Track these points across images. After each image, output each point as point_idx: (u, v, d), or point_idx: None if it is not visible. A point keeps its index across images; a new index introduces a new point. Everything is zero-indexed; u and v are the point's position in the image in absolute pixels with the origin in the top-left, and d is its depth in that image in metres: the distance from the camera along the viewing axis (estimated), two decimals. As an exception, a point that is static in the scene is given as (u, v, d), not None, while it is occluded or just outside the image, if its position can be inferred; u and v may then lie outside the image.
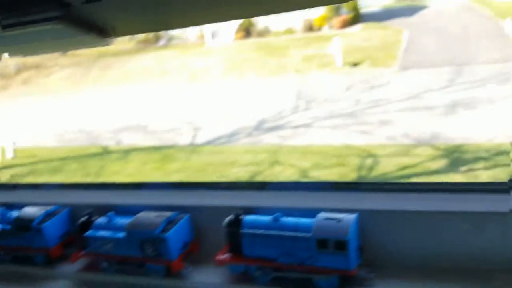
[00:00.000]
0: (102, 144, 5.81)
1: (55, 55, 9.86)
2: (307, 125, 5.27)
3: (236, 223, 0.76)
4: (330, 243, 0.67)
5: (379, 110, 5.25)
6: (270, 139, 5.16)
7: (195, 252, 0.84)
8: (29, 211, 0.91)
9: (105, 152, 5.63)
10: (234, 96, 6.83)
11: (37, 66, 10.01)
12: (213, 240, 0.83)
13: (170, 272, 0.80)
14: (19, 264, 0.93)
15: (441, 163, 3.95)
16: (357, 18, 9.17)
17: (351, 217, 0.69)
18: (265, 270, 0.74)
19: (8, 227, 0.91)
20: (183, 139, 5.56)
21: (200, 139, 5.51)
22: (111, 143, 5.81)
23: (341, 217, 0.69)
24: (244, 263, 0.75)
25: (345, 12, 9.18)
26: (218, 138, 5.40)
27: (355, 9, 9.33)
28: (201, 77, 8.19)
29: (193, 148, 5.30)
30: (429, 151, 4.14)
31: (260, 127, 5.53)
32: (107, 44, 0.50)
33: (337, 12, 9.13)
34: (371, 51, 7.42)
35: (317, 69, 7.28)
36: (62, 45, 0.51)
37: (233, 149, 5.00)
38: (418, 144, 4.32)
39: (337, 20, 9.03)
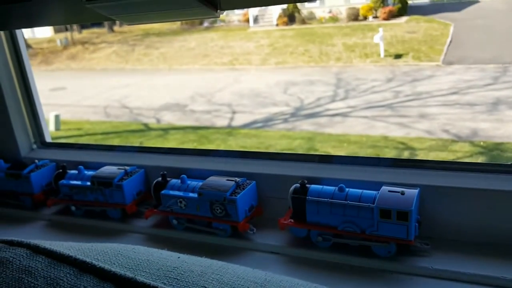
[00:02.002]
0: (143, 121, 5.96)
1: (102, 31, 10.08)
2: (344, 114, 5.26)
3: (302, 190, 0.81)
4: (393, 213, 0.71)
5: (420, 103, 5.20)
6: (306, 126, 5.18)
7: (259, 216, 0.91)
8: (108, 169, 1.00)
9: (146, 129, 5.78)
10: (273, 81, 6.86)
11: (83, 42, 10.26)
12: (275, 206, 0.89)
13: (235, 232, 0.87)
14: (93, 218, 1.01)
15: (479, 160, 3.92)
16: (403, 9, 9.03)
17: (414, 191, 0.74)
18: (325, 236, 0.79)
19: (88, 183, 0.99)
20: (220, 121, 5.64)
21: (236, 122, 5.57)
22: (151, 121, 5.95)
23: (404, 190, 0.74)
24: (307, 228, 0.81)
25: (392, 3, 9.04)
26: (255, 122, 5.45)
27: (402, 0, 9.19)
28: (241, 61, 8.24)
29: (229, 130, 5.37)
30: (467, 148, 4.10)
31: (296, 114, 5.55)
32: (217, 16, 0.56)
33: (383, 2, 9.01)
34: (415, 44, 7.31)
35: (359, 58, 7.22)
36: (177, 15, 0.56)
37: (269, 134, 5.05)
38: (457, 140, 4.28)
39: (382, 11, 8.91)
